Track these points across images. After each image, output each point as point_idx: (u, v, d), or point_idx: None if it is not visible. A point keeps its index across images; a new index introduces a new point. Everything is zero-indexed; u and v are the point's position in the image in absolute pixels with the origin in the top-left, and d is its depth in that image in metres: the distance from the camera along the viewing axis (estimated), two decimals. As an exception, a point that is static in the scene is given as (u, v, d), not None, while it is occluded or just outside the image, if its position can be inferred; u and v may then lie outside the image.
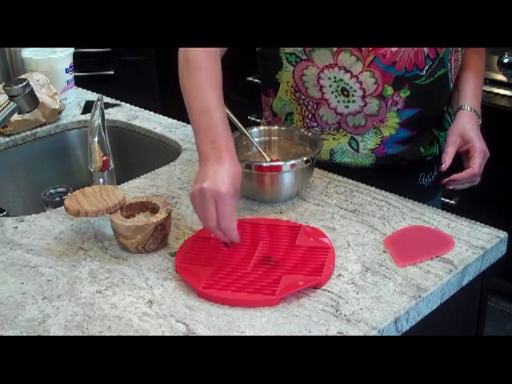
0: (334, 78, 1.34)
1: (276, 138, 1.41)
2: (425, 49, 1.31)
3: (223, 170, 1.08)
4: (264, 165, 1.29)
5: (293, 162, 1.26)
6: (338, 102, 1.36)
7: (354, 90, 1.34)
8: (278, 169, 1.26)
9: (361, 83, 1.33)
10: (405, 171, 1.42)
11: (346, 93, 1.35)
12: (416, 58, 1.31)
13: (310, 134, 1.38)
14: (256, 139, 1.38)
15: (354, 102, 1.35)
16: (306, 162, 1.28)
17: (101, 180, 1.37)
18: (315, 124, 1.42)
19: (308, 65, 1.35)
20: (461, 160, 1.38)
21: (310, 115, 1.41)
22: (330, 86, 1.35)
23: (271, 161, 1.33)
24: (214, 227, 1.08)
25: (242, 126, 1.35)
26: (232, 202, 1.07)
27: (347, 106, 1.36)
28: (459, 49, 1.38)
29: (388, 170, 1.40)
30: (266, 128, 1.42)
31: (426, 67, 1.33)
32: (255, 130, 1.40)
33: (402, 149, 1.40)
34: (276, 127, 1.42)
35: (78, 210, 1.16)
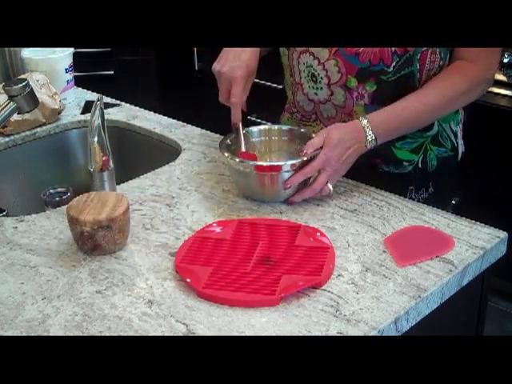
0: (306, 63, 1.38)
1: (276, 137, 1.41)
2: None
3: (243, 55, 1.32)
4: (264, 165, 1.29)
5: (293, 161, 1.26)
6: (309, 87, 1.40)
7: (321, 78, 1.36)
8: (278, 169, 1.26)
9: (326, 71, 1.35)
10: (391, 183, 1.37)
11: (314, 79, 1.38)
12: (381, 52, 1.29)
13: (310, 133, 1.38)
14: (256, 139, 1.38)
15: (321, 89, 1.38)
16: (307, 161, 1.27)
17: (105, 183, 1.36)
18: (295, 110, 1.47)
19: (294, 50, 1.41)
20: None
21: (293, 100, 1.47)
22: (304, 71, 1.40)
23: (271, 161, 1.34)
24: (224, 101, 1.34)
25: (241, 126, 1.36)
26: (243, 85, 1.32)
27: (316, 93, 1.39)
28: (436, 51, 1.32)
29: (373, 176, 1.37)
30: (266, 128, 1.42)
31: (394, 63, 1.30)
32: (255, 129, 1.40)
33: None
34: (276, 127, 1.43)
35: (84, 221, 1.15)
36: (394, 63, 1.30)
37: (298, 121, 1.47)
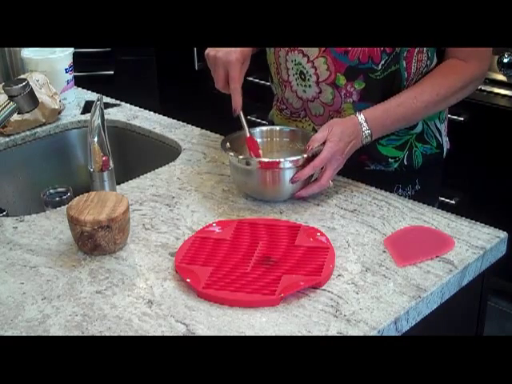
0: (295, 60, 1.38)
1: (278, 138, 1.41)
2: None
3: None
4: (265, 161, 1.29)
5: (294, 158, 1.27)
6: (298, 85, 1.40)
7: (310, 75, 1.37)
8: (280, 166, 1.26)
9: (315, 68, 1.35)
10: (378, 181, 1.38)
11: (303, 77, 1.38)
12: (370, 50, 1.30)
13: (312, 134, 1.38)
14: (258, 140, 1.38)
15: (309, 86, 1.38)
16: (308, 159, 1.27)
17: (105, 183, 1.36)
18: (284, 107, 1.47)
19: (281, 47, 1.41)
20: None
21: (281, 97, 1.47)
22: (292, 68, 1.40)
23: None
24: (221, 88, 1.34)
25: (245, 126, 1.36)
26: (240, 68, 1.32)
27: (305, 91, 1.40)
28: (423, 50, 1.34)
29: (360, 174, 1.38)
30: (268, 129, 1.42)
31: (382, 62, 1.31)
32: (257, 130, 1.40)
33: None
34: (278, 128, 1.43)
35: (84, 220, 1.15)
36: (382, 61, 1.31)
37: (288, 117, 1.48)
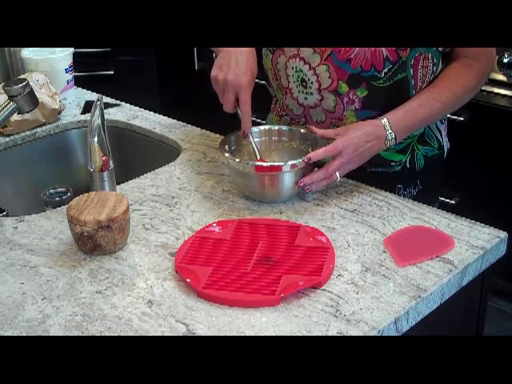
0: (296, 68, 1.38)
1: (276, 137, 1.41)
2: (383, 50, 1.29)
3: (244, 60, 1.29)
4: (264, 165, 1.28)
5: (293, 162, 1.26)
6: (299, 92, 1.40)
7: (312, 83, 1.36)
8: (278, 169, 1.26)
9: (317, 76, 1.35)
10: (379, 182, 1.38)
11: (304, 84, 1.38)
12: (373, 58, 1.30)
13: (311, 134, 1.38)
14: (256, 139, 1.38)
15: (311, 94, 1.38)
16: (307, 162, 1.27)
17: (105, 183, 1.36)
18: (284, 113, 1.47)
19: (280, 53, 1.40)
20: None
21: (281, 103, 1.47)
22: (293, 75, 1.39)
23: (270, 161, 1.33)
24: (230, 110, 1.31)
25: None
26: (251, 90, 1.30)
27: (306, 98, 1.39)
28: (429, 56, 1.34)
29: (361, 175, 1.37)
30: (267, 128, 1.42)
31: (385, 70, 1.31)
32: (256, 129, 1.40)
33: None
34: (276, 127, 1.42)
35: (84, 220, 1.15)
36: (385, 69, 1.31)
37: (288, 124, 1.47)
